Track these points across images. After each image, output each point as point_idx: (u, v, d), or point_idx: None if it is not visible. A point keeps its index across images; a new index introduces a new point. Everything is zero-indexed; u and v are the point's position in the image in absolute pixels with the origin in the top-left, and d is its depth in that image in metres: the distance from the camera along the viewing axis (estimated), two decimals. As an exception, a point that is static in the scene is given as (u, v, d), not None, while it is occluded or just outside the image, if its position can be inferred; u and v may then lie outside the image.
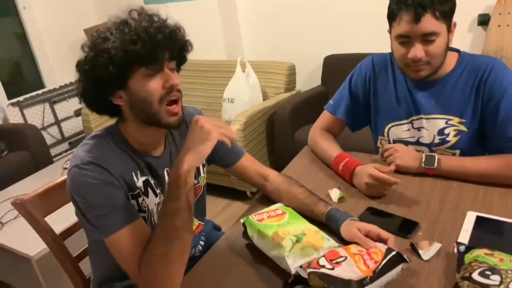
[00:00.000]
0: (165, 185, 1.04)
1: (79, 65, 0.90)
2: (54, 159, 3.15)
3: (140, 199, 0.98)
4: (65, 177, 1.12)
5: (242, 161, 1.19)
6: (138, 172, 0.98)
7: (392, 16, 1.12)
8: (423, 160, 1.15)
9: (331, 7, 2.76)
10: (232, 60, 2.86)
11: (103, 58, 0.86)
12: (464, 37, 2.45)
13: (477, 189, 1.08)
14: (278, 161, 2.61)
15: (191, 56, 1.01)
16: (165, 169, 1.05)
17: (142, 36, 0.85)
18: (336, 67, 2.75)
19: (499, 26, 2.29)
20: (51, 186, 1.17)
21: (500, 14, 2.27)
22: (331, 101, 1.41)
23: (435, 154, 1.15)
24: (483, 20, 2.36)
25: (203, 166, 1.16)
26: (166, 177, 1.05)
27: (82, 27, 3.45)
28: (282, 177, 1.17)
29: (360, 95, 1.35)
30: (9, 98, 3.22)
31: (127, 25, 0.87)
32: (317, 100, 2.72)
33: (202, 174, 1.15)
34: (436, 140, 1.24)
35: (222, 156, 1.17)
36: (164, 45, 0.88)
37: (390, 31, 1.19)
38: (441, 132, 1.22)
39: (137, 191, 0.97)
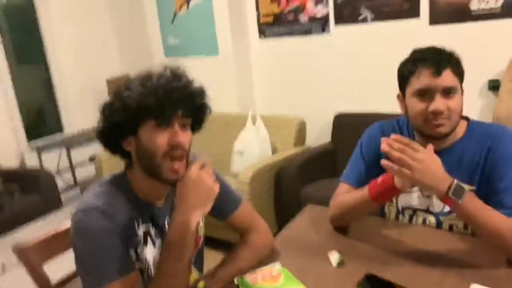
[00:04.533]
0: (165, 235, 1.05)
1: (102, 107, 0.97)
2: (65, 204, 3.19)
3: (139, 248, 0.99)
4: (68, 226, 1.14)
5: (238, 214, 1.18)
6: (140, 221, 1.00)
7: (408, 74, 1.15)
8: (453, 188, 0.98)
9: (344, 65, 2.85)
10: (244, 113, 2.94)
11: (118, 105, 0.93)
12: (475, 102, 2.48)
13: (481, 259, 1.05)
14: (284, 217, 2.57)
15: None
16: (166, 218, 1.06)
17: (157, 91, 0.91)
18: (346, 125, 2.78)
19: (510, 92, 2.31)
20: (53, 234, 1.18)
21: (510, 80, 2.30)
22: (345, 172, 1.35)
23: (466, 187, 1.02)
24: (494, 86, 2.39)
25: None
26: (167, 228, 1.06)
27: (105, 77, 3.62)
28: (251, 239, 1.15)
29: (372, 161, 1.29)
30: (29, 140, 3.34)
31: (150, 79, 0.94)
32: (326, 156, 2.74)
33: (200, 224, 1.16)
34: (447, 208, 1.21)
35: (216, 205, 1.16)
36: (176, 103, 0.93)
37: (403, 94, 1.20)
38: None
39: (137, 240, 0.98)
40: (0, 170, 2.84)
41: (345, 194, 1.26)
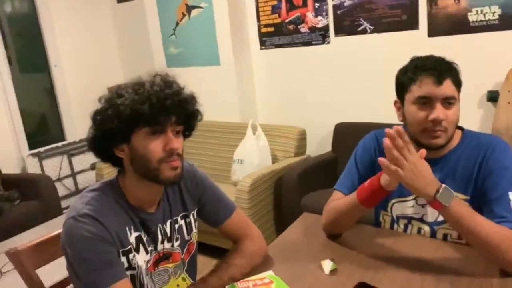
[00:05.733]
0: (157, 242, 1.06)
1: (93, 115, 0.97)
2: (64, 211, 3.20)
3: (130, 256, 0.99)
4: (60, 230, 1.15)
5: (230, 221, 1.18)
6: (132, 227, 1.00)
7: (409, 81, 1.15)
8: (441, 191, 1.00)
9: (344, 75, 2.87)
10: (245, 122, 2.95)
11: (111, 112, 0.93)
12: (474, 112, 2.48)
13: (475, 269, 1.04)
14: (284, 226, 2.55)
15: (204, 117, 1.07)
16: (158, 225, 1.06)
17: (151, 98, 0.92)
18: (346, 134, 2.78)
19: (508, 103, 2.31)
20: (46, 238, 1.19)
21: (509, 91, 2.31)
22: (339, 180, 1.36)
23: (453, 192, 1.02)
24: (492, 97, 2.39)
25: (195, 221, 1.17)
26: (159, 234, 1.06)
27: (107, 85, 3.64)
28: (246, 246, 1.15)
29: (367, 169, 1.30)
30: (30, 148, 3.37)
31: (142, 86, 0.94)
32: (326, 166, 2.73)
33: (194, 230, 1.16)
34: (440, 218, 1.20)
35: (209, 212, 1.18)
36: (170, 110, 0.94)
37: (401, 101, 1.20)
38: None
39: (129, 247, 0.99)
40: (0, 175, 2.85)
41: (336, 200, 1.26)
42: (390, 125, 1.37)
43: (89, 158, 3.67)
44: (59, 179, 3.45)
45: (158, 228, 1.06)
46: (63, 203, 3.29)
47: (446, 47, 2.43)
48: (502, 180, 1.09)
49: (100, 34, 3.90)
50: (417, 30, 2.51)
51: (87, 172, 3.65)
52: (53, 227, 2.37)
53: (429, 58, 1.15)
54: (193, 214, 1.15)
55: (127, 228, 0.99)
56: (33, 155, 3.31)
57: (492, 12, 2.27)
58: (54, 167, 3.44)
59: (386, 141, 1.01)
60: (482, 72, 2.38)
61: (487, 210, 1.09)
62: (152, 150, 0.94)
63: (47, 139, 3.59)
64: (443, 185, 1.01)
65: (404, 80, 1.17)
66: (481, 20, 2.32)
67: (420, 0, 2.46)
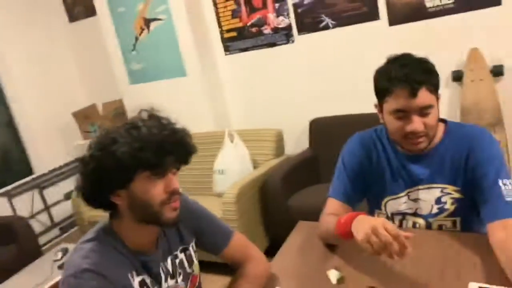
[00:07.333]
0: (161, 281, 1.02)
1: (84, 161, 0.91)
2: (44, 247, 3.07)
3: None
4: (56, 279, 1.09)
5: (230, 247, 1.16)
6: (134, 273, 0.96)
7: (384, 92, 1.14)
8: None
9: (312, 72, 2.88)
10: (221, 130, 2.91)
11: (109, 160, 0.87)
12: (442, 94, 2.52)
13: (475, 256, 1.07)
14: (274, 231, 2.56)
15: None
16: (160, 265, 1.03)
17: (150, 143, 0.87)
18: (322, 129, 2.81)
19: (472, 81, 2.39)
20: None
21: (471, 70, 2.39)
22: (331, 187, 1.35)
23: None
24: (457, 76, 2.47)
25: (195, 252, 1.14)
26: (162, 273, 1.03)
27: (70, 110, 3.51)
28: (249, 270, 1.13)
29: (356, 173, 1.31)
30: (-3, 188, 3.20)
31: (137, 129, 0.89)
32: (307, 164, 2.74)
33: (195, 262, 1.13)
34: (434, 210, 1.23)
35: (207, 241, 1.15)
36: (171, 152, 0.91)
37: (380, 106, 1.20)
38: (438, 201, 1.22)
39: None
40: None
41: (328, 217, 1.25)
42: (362, 116, 1.36)
43: (62, 188, 3.53)
44: (32, 216, 3.29)
45: (160, 268, 1.03)
46: (41, 240, 3.16)
47: (407, 34, 2.49)
48: (490, 168, 1.11)
49: (56, 58, 3.73)
50: (378, 21, 2.55)
51: (61, 203, 3.51)
52: (36, 272, 2.27)
53: (404, 66, 1.10)
54: (192, 246, 1.12)
55: (129, 275, 0.95)
56: (1, 194, 3.14)
57: (448, -4, 2.34)
58: (25, 203, 3.27)
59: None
60: (444, 54, 2.43)
61: (482, 199, 1.12)
62: (154, 195, 0.91)
63: (13, 176, 3.40)
64: None
65: (380, 89, 1.16)
66: (437, 5, 2.38)
67: (378, -9, 2.51)
